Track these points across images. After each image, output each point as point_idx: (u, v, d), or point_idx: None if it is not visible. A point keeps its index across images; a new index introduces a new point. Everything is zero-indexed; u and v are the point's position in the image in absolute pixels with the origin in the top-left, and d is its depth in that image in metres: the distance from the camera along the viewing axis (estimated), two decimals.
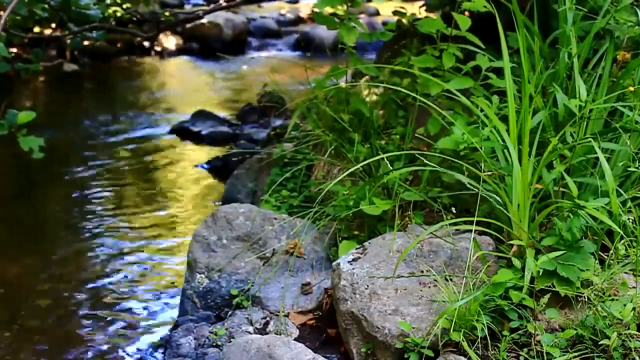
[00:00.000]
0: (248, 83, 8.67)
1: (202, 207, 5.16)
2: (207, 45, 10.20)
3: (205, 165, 5.97)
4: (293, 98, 4.63)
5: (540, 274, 2.69)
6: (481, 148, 3.09)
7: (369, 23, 10.35)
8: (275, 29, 11.28)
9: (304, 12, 12.06)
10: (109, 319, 3.76)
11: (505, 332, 2.67)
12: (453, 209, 3.17)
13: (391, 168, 3.35)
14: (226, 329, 3.19)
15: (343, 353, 2.99)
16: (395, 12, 4.66)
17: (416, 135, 3.61)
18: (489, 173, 2.97)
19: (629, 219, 2.78)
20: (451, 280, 2.85)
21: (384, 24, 6.04)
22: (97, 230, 4.80)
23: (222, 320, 3.31)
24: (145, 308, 3.87)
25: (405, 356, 2.68)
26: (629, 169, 2.96)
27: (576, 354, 2.56)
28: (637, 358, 2.49)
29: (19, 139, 4.18)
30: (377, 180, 3.37)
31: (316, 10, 4.13)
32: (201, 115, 6.96)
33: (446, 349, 2.66)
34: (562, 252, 2.73)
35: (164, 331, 3.59)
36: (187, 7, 12.07)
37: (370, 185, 3.38)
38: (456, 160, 3.08)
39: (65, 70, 8.86)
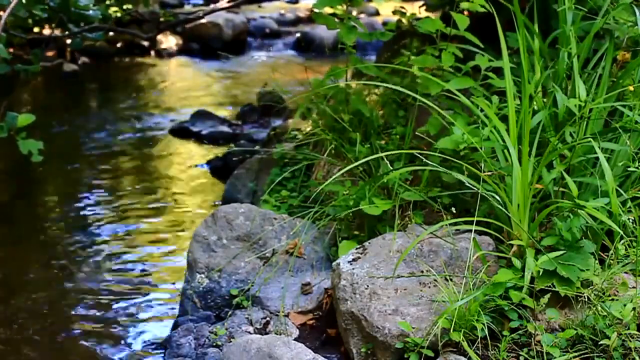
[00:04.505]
0: (248, 83, 8.66)
1: (202, 207, 5.16)
2: (207, 45, 10.19)
3: (205, 165, 5.97)
4: (293, 98, 4.64)
5: (540, 274, 2.70)
6: (481, 148, 3.09)
7: (369, 23, 10.34)
8: (275, 29, 11.27)
9: (304, 12, 12.05)
10: (108, 318, 3.76)
11: (505, 332, 2.67)
12: (453, 209, 3.17)
13: (391, 168, 3.35)
14: (226, 329, 3.19)
15: (343, 353, 2.99)
16: (395, 12, 4.67)
17: (416, 135, 3.61)
18: (489, 173, 2.97)
19: (629, 219, 2.78)
20: (451, 280, 2.85)
21: (384, 24, 6.05)
22: (96, 230, 4.80)
23: (222, 320, 3.31)
24: (145, 308, 3.87)
25: (405, 356, 2.68)
26: (629, 169, 2.96)
27: (576, 354, 2.56)
28: (637, 358, 2.49)
29: (18, 142, 4.18)
30: (377, 180, 3.37)
31: (316, 10, 4.13)
32: (201, 115, 6.96)
33: (446, 349, 2.66)
34: (562, 252, 2.73)
35: (164, 331, 3.59)
36: (187, 7, 12.07)
37: (370, 185, 3.38)
38: (456, 160, 3.08)
39: (65, 70, 8.85)
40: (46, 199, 5.43)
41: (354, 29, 3.99)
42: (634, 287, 2.66)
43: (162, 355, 3.33)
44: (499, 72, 3.50)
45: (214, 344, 3.15)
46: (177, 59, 10.15)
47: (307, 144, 4.15)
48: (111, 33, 9.37)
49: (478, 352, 2.61)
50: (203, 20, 9.92)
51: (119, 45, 10.00)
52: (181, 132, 6.79)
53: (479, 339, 2.60)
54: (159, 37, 9.91)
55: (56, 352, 3.48)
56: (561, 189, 2.99)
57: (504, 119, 3.13)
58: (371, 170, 3.61)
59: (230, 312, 3.32)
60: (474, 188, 2.95)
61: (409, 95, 3.57)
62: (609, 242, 2.85)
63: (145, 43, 10.04)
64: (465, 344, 2.58)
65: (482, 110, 3.20)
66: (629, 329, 2.53)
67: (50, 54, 8.96)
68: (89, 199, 5.32)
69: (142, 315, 3.79)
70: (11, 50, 7.56)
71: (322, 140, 4.01)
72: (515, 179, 2.90)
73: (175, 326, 3.40)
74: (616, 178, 2.93)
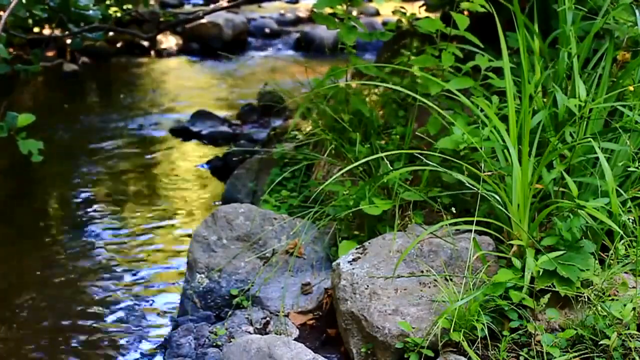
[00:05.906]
0: (248, 83, 8.66)
1: (202, 207, 5.16)
2: (207, 45, 10.19)
3: (205, 165, 5.97)
4: (293, 98, 4.64)
5: (540, 274, 2.70)
6: (481, 148, 3.09)
7: (369, 23, 10.34)
8: (275, 29, 11.28)
9: (304, 12, 12.06)
10: (108, 318, 3.76)
11: (505, 332, 2.67)
12: (453, 209, 3.17)
13: (391, 168, 3.35)
14: (226, 329, 3.19)
15: (343, 353, 2.99)
16: (395, 12, 4.67)
17: (416, 135, 3.61)
18: (489, 173, 2.97)
19: (629, 219, 2.78)
20: (451, 280, 2.85)
21: (384, 24, 6.05)
22: (96, 230, 4.80)
23: (222, 320, 3.31)
24: (145, 308, 3.87)
25: (405, 356, 2.68)
26: (628, 169, 2.96)
27: (576, 354, 2.56)
28: (637, 358, 2.49)
29: (18, 142, 4.18)
30: (377, 180, 3.37)
31: (315, 10, 4.13)
32: (201, 115, 6.96)
33: (446, 349, 2.66)
34: (562, 252, 2.73)
35: (164, 331, 3.59)
36: (187, 7, 12.07)
37: (370, 185, 3.38)
38: (456, 160, 3.08)
39: (65, 70, 8.85)
40: (46, 199, 5.43)
41: (354, 29, 3.99)
42: (634, 287, 2.66)
43: (162, 355, 3.33)
44: (499, 72, 3.49)
45: (214, 344, 3.15)
46: (177, 58, 10.14)
47: (307, 144, 4.15)
48: (111, 33, 9.37)
49: (478, 352, 2.61)
50: (203, 20, 9.92)
51: (119, 45, 10.00)
52: (181, 132, 6.79)
53: (479, 339, 2.60)
54: (159, 37, 9.91)
55: (56, 352, 3.48)
56: (561, 189, 3.00)
57: (504, 119, 3.13)
58: (371, 170, 3.61)
59: (230, 312, 3.32)
60: (474, 188, 2.95)
61: (409, 95, 3.57)
62: (609, 242, 2.85)
63: (145, 43, 10.04)
64: (465, 344, 2.58)
65: (482, 110, 3.20)
66: (629, 329, 2.53)
67: (50, 54, 8.96)
68: (89, 198, 5.32)
69: (142, 315, 3.79)
70: (11, 50, 7.57)
71: (322, 140, 4.01)
72: (515, 179, 2.90)
73: (175, 326, 3.40)
74: (616, 178, 2.93)
